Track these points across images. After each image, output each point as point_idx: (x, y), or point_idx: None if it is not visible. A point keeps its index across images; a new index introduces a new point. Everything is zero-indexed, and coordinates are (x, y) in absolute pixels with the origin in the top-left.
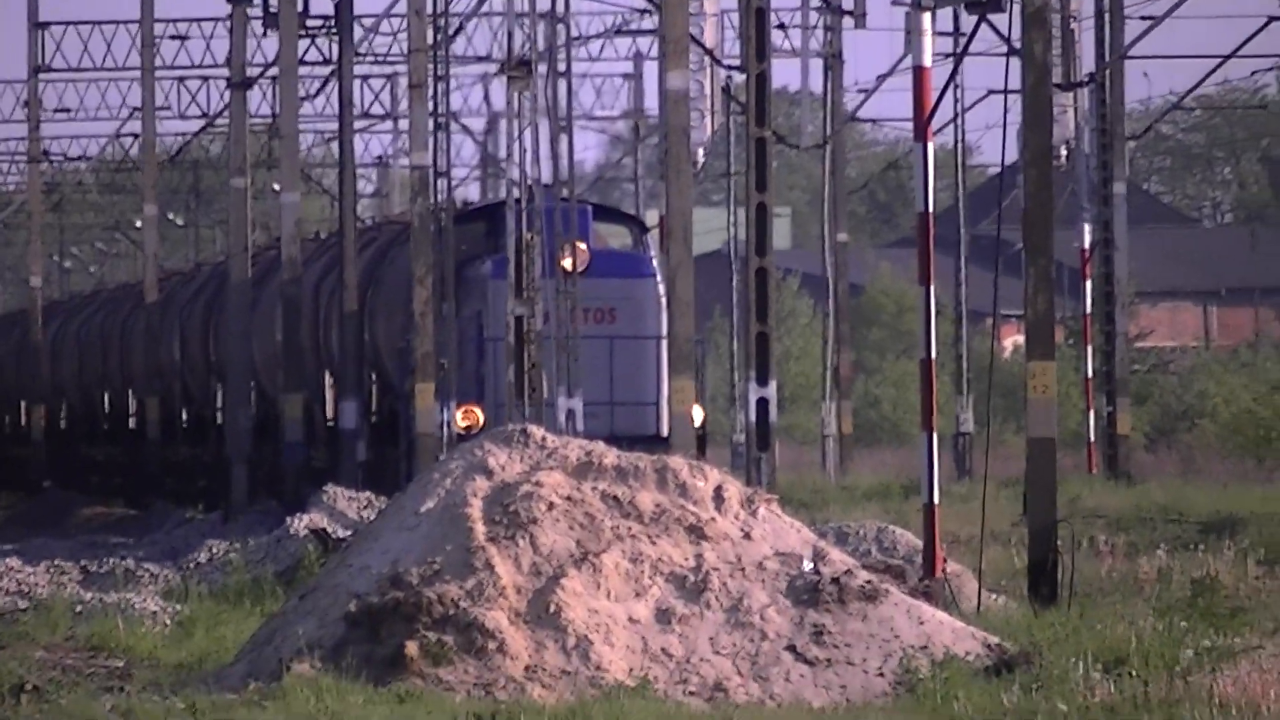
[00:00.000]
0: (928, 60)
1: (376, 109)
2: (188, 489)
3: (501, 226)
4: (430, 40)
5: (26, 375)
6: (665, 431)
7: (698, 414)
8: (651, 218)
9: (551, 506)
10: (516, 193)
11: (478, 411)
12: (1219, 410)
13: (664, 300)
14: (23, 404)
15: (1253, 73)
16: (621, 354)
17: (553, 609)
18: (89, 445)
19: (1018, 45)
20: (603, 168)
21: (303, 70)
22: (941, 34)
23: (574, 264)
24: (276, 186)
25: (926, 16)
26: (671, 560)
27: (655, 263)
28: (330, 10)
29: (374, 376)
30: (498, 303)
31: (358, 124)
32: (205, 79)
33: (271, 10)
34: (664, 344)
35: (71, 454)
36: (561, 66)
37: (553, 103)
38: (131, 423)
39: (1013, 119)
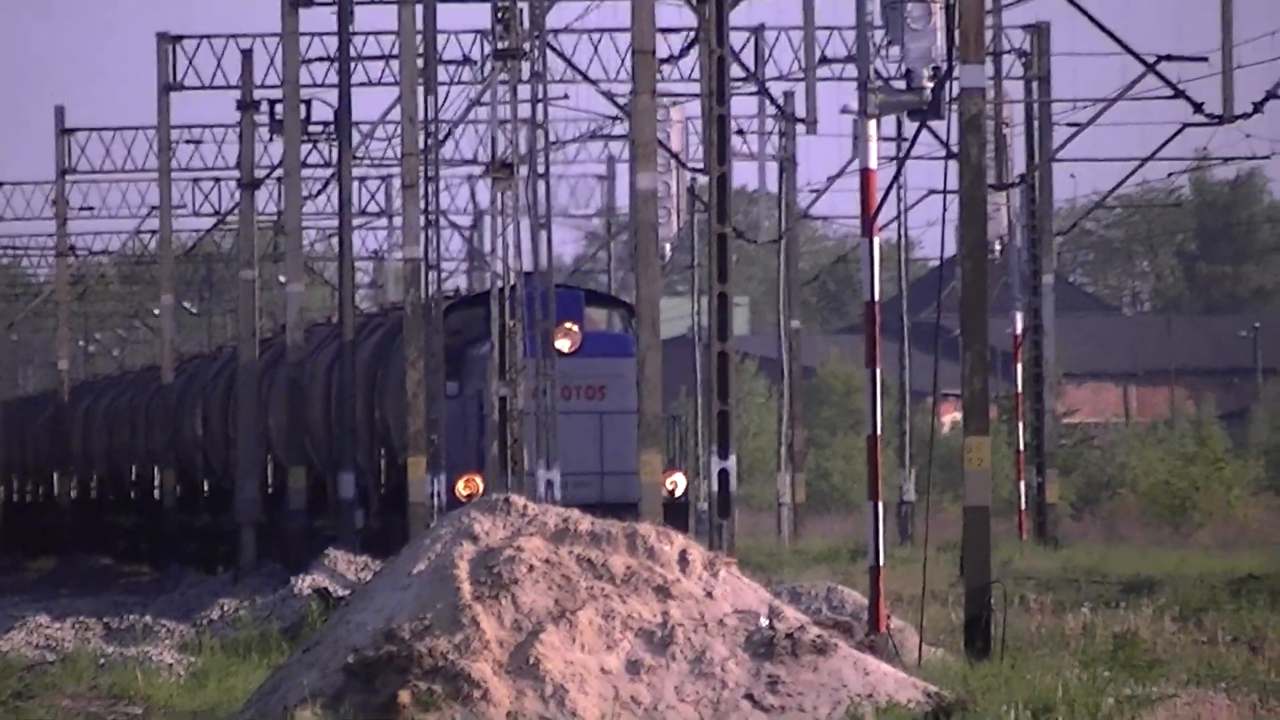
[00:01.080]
0: (873, 163)
1: (373, 207)
2: (210, 552)
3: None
4: (421, 145)
5: (56, 449)
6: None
7: (680, 481)
8: None
9: (531, 568)
10: (500, 284)
11: (478, 480)
12: (1138, 481)
13: None
14: (54, 475)
15: (1169, 174)
16: (610, 428)
17: (532, 661)
18: (116, 513)
19: (955, 150)
20: (579, 260)
21: (305, 172)
22: (886, 139)
23: (570, 345)
24: (282, 278)
25: (872, 123)
26: (640, 617)
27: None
28: (330, 117)
29: (383, 450)
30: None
31: (356, 221)
32: (217, 180)
33: (277, 118)
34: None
35: (100, 521)
36: (541, 169)
37: (533, 201)
38: (157, 493)
39: (951, 216)
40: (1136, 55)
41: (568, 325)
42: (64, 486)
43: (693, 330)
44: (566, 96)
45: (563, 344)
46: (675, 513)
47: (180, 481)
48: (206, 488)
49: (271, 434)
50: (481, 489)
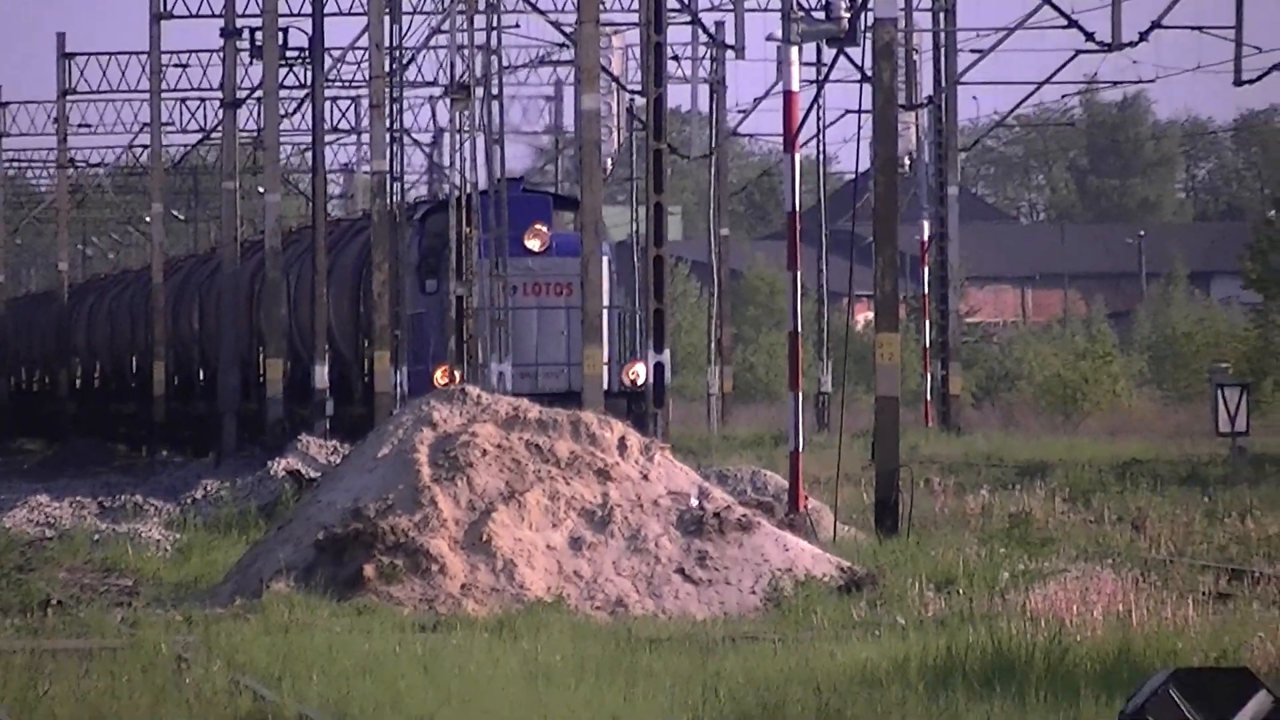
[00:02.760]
0: (795, 86)
1: (344, 125)
2: (204, 436)
3: (482, 214)
4: (387, 69)
5: (60, 342)
6: (614, 387)
7: (641, 371)
8: None
9: (485, 453)
10: (457, 194)
11: (454, 370)
12: (1033, 374)
13: (615, 277)
14: (56, 367)
15: (1062, 96)
16: (577, 321)
17: (485, 538)
18: (118, 402)
19: (869, 74)
20: (529, 173)
21: (283, 93)
22: (807, 64)
23: (539, 244)
24: (261, 189)
25: (794, 50)
26: (583, 498)
27: (607, 245)
28: (306, 44)
29: (367, 343)
30: (481, 280)
31: (328, 137)
32: (202, 100)
33: (257, 44)
34: (614, 314)
35: (103, 409)
36: (495, 91)
37: (488, 120)
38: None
39: (865, 134)
40: None
41: (537, 226)
42: (67, 377)
43: (631, 237)
44: (518, 26)
45: (532, 243)
46: (636, 399)
47: (178, 372)
48: (202, 377)
49: (261, 328)
50: (457, 378)
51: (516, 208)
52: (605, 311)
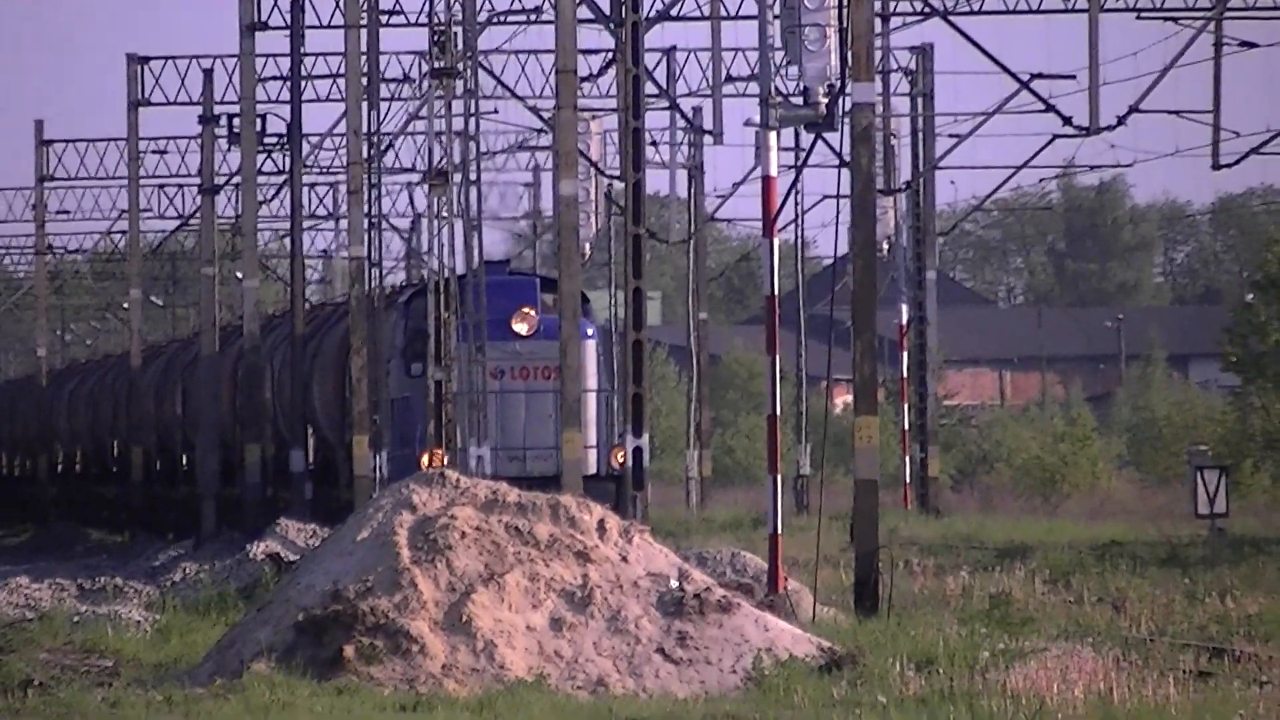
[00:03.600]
0: (774, 171)
1: (322, 210)
2: (187, 520)
3: (462, 299)
4: (365, 155)
5: (39, 428)
6: (602, 470)
7: (619, 455)
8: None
9: (464, 535)
10: (435, 280)
11: (441, 454)
12: (1012, 456)
13: (601, 359)
14: (36, 452)
15: (1040, 180)
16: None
17: (465, 619)
18: (98, 485)
19: (848, 159)
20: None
21: (261, 179)
22: (785, 149)
23: (527, 328)
24: (239, 274)
25: (773, 135)
26: (562, 579)
27: (593, 329)
28: (284, 130)
29: (310, 429)
30: (460, 364)
31: (306, 223)
32: (180, 186)
33: (235, 130)
34: (601, 397)
35: (83, 492)
36: (473, 176)
37: (465, 205)
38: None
39: (843, 219)
40: (1011, 73)
41: (525, 310)
42: (50, 461)
43: (610, 321)
44: (496, 111)
45: (520, 327)
46: (623, 483)
47: (161, 455)
48: (185, 461)
49: (239, 413)
50: (446, 461)
51: (503, 291)
52: (593, 395)
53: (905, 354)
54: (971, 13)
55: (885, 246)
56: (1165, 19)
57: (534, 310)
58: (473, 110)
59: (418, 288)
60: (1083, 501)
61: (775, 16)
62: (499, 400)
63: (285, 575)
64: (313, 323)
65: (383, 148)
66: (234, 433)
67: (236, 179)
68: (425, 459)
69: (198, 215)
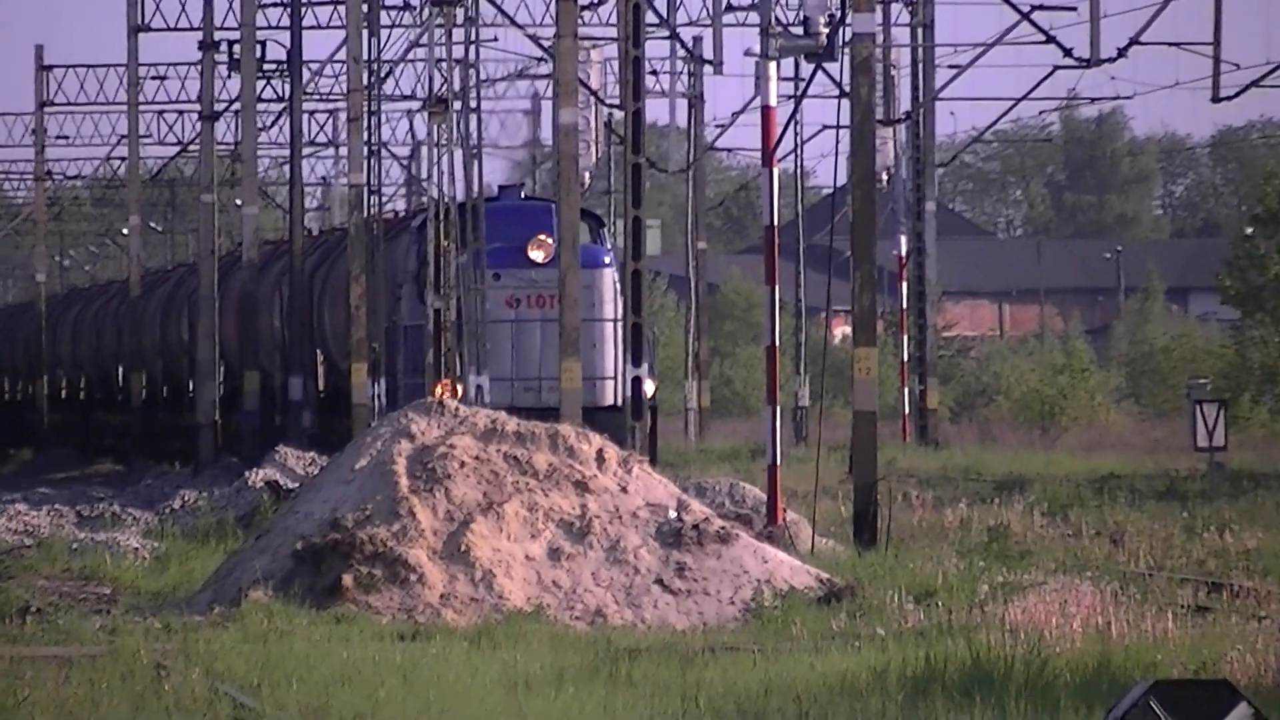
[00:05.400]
0: (773, 101)
1: (321, 138)
2: (191, 446)
3: (478, 222)
4: (365, 82)
5: (40, 352)
6: (618, 402)
7: (649, 387)
8: None
9: (463, 464)
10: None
11: (453, 384)
12: (1011, 389)
13: (618, 287)
14: (36, 377)
15: (1040, 112)
16: (582, 335)
17: (463, 548)
18: (103, 411)
19: (847, 89)
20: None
21: (260, 106)
22: (785, 79)
23: (543, 255)
24: (238, 201)
25: (772, 65)
26: (561, 509)
27: (609, 256)
28: (283, 57)
29: (321, 355)
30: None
31: (305, 150)
32: (180, 112)
33: (235, 57)
34: (618, 327)
35: (83, 418)
36: (473, 104)
37: (465, 133)
38: (144, 393)
39: (843, 149)
40: (1012, 4)
41: (541, 237)
42: (46, 386)
43: None
44: (496, 39)
45: (536, 254)
46: (624, 413)
47: (166, 382)
48: (191, 387)
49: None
50: (459, 391)
51: (518, 217)
52: (609, 325)
53: (904, 285)
54: None
55: (884, 177)
56: None
57: (550, 237)
58: (473, 38)
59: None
60: (1081, 434)
61: None
62: (514, 330)
63: (284, 503)
64: (320, 249)
65: (383, 75)
66: (239, 360)
67: (236, 105)
68: (438, 389)
69: (197, 142)
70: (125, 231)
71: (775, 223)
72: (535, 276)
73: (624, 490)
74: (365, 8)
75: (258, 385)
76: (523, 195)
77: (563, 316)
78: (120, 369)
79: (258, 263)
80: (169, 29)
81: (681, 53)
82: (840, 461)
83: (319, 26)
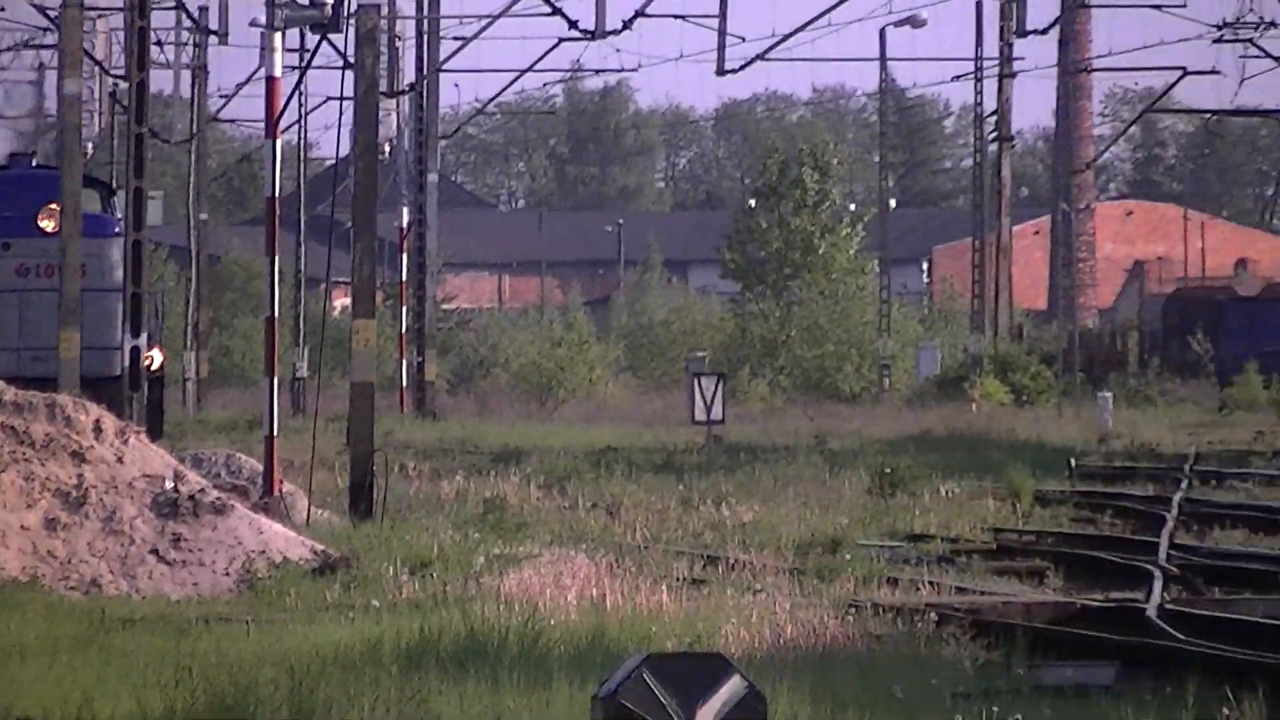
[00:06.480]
0: (278, 71)
1: None
2: None
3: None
4: None
5: None
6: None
7: (157, 357)
8: None
9: None
10: None
11: None
12: (510, 361)
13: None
14: None
15: (545, 84)
16: (90, 305)
17: None
18: None
19: (352, 60)
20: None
21: None
22: (290, 50)
23: (53, 224)
24: None
25: (277, 36)
26: (58, 479)
27: (120, 225)
28: None
29: None
30: None
31: None
32: None
33: None
34: (124, 296)
35: None
36: None
37: None
38: None
39: (346, 121)
40: None
41: (52, 206)
42: None
43: None
44: (4, 9)
45: (47, 224)
46: (154, 385)
47: None
48: None
49: None
50: None
51: (30, 185)
52: (119, 294)
53: (405, 257)
54: None
55: (387, 149)
56: None
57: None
58: None
59: None
60: (579, 406)
61: None
62: (20, 299)
63: None
64: None
65: None
66: None
67: None
68: None
69: None
70: None
71: (277, 194)
72: (46, 246)
73: (120, 461)
74: None
75: None
76: (34, 164)
77: (63, 285)
78: None
79: None
80: None
81: (187, 23)
82: (338, 433)
83: None
